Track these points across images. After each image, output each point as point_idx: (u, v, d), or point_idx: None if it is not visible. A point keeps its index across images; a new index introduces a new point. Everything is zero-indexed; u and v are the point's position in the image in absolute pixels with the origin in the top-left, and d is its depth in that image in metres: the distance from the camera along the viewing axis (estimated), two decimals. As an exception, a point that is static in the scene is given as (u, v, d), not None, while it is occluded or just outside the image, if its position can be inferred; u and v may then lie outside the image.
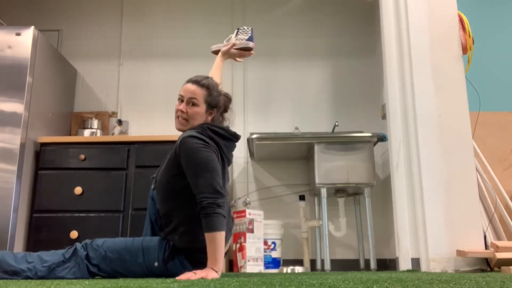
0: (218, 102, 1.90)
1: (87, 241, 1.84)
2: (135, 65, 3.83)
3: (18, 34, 2.99)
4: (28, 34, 3.00)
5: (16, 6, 3.96)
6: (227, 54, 2.27)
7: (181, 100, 1.87)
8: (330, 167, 3.00)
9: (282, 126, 3.64)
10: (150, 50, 3.85)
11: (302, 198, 3.33)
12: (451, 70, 2.56)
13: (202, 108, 1.85)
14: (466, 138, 2.48)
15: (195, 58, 3.77)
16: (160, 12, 3.93)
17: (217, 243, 1.63)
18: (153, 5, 3.95)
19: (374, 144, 3.13)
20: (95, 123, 3.47)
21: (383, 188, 3.41)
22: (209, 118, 1.89)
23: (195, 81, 1.86)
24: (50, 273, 1.75)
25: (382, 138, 3.05)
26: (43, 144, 3.03)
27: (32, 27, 3.02)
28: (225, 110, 1.97)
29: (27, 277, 1.73)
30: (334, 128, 3.33)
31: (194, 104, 1.84)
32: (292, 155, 3.44)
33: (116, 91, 3.78)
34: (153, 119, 3.70)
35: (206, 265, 1.64)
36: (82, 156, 3.00)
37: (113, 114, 3.72)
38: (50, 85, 3.27)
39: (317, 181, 2.98)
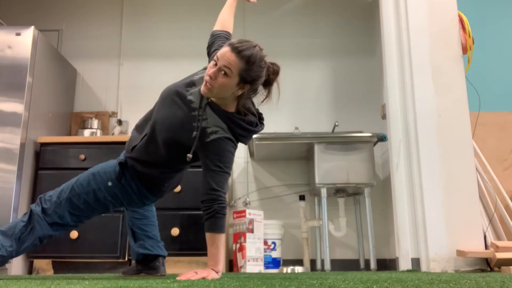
0: (255, 78, 1.67)
1: (40, 195, 1.84)
2: (135, 65, 3.83)
3: (18, 34, 2.99)
4: (28, 34, 3.00)
5: (16, 6, 3.96)
6: None
7: (215, 63, 1.63)
8: (330, 167, 3.00)
9: (282, 126, 3.63)
10: (150, 50, 3.85)
11: (302, 198, 3.33)
12: (451, 70, 2.56)
13: (233, 80, 1.63)
14: (466, 138, 2.48)
15: (195, 58, 3.76)
16: (160, 12, 3.93)
17: (220, 244, 1.63)
18: (153, 5, 3.95)
19: (374, 144, 3.13)
20: (95, 123, 3.47)
21: (383, 188, 3.41)
22: (239, 92, 1.68)
23: (236, 49, 1.61)
24: (20, 244, 1.73)
25: (382, 138, 3.05)
26: (43, 144, 3.03)
27: (32, 27, 3.02)
28: (269, 83, 1.75)
29: (1, 256, 1.70)
30: (334, 128, 3.33)
31: (225, 74, 1.61)
32: (292, 155, 3.44)
33: (116, 91, 3.78)
34: (153, 119, 3.69)
35: (161, 191, 1.71)
36: (82, 156, 3.00)
37: (113, 114, 3.72)
38: (50, 85, 3.27)
39: (317, 181, 2.98)
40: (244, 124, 1.73)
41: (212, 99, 1.72)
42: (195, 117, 1.70)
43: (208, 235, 1.63)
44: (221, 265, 1.63)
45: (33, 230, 1.75)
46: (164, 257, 2.08)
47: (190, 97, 1.75)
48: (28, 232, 1.75)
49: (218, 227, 1.62)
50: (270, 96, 1.77)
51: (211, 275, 1.55)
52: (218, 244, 1.62)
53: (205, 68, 1.82)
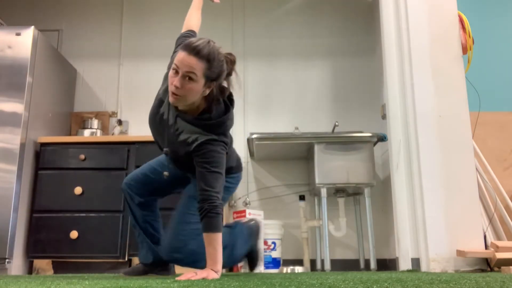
0: (219, 73, 1.65)
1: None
2: (135, 65, 3.83)
3: (18, 34, 2.99)
4: (28, 34, 3.00)
5: (16, 6, 3.96)
6: None
7: (175, 71, 1.60)
8: (330, 167, 3.00)
9: (282, 126, 3.63)
10: (150, 50, 3.85)
11: (302, 198, 3.33)
12: (451, 70, 2.56)
13: (200, 83, 1.60)
14: (466, 138, 2.48)
15: (195, 58, 3.77)
16: (160, 12, 3.93)
17: (218, 243, 1.63)
18: (153, 5, 3.95)
19: (374, 144, 3.13)
20: (95, 123, 3.47)
21: (383, 188, 3.41)
22: (207, 91, 1.66)
23: (193, 50, 1.57)
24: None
25: (382, 138, 3.05)
26: (43, 144, 3.03)
27: (32, 27, 3.02)
28: (229, 74, 1.72)
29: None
30: (334, 128, 3.33)
31: (191, 79, 1.58)
32: (292, 155, 3.44)
33: (116, 91, 3.78)
34: (153, 119, 3.69)
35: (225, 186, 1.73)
36: (82, 156, 3.00)
37: (113, 114, 3.72)
38: (50, 85, 3.27)
39: (317, 181, 2.98)
40: (215, 120, 1.72)
41: (179, 107, 1.73)
42: (175, 133, 1.74)
43: (204, 235, 1.63)
44: (220, 265, 1.62)
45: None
46: None
47: (165, 116, 1.78)
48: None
49: (212, 227, 1.62)
50: (232, 86, 1.75)
51: (211, 275, 1.55)
52: (214, 243, 1.62)
53: (165, 79, 1.84)
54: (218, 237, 1.63)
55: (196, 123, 1.71)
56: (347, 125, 3.60)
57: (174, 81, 1.60)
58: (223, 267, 1.77)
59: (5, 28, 3.09)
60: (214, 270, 1.59)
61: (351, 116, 3.65)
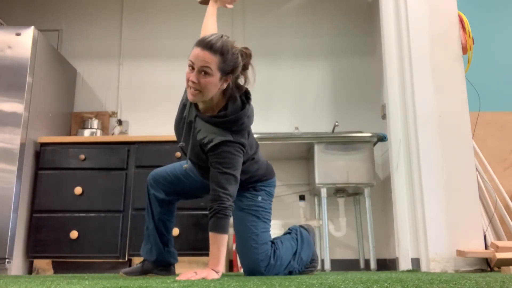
0: (234, 66, 1.66)
1: None
2: (135, 65, 3.83)
3: (18, 34, 2.99)
4: (28, 34, 3.00)
5: (16, 6, 3.96)
6: (220, 1, 2.10)
7: (191, 67, 1.63)
8: (330, 167, 3.00)
9: (282, 126, 3.63)
10: (150, 50, 3.85)
11: (302, 198, 3.33)
12: (451, 70, 2.56)
13: (215, 77, 1.63)
14: (466, 138, 2.48)
15: (195, 58, 3.77)
16: (160, 12, 3.93)
17: (221, 244, 1.63)
18: (153, 5, 3.95)
19: (374, 144, 3.13)
20: (95, 123, 3.47)
21: (383, 188, 3.41)
22: (224, 85, 1.68)
23: (207, 45, 1.60)
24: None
25: (382, 138, 3.05)
26: (43, 144, 3.03)
27: (32, 27, 3.02)
28: (245, 68, 1.74)
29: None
30: (334, 128, 3.34)
31: (206, 73, 1.61)
32: (292, 155, 3.44)
33: (116, 91, 3.78)
34: (153, 119, 3.70)
35: (266, 192, 1.83)
36: (82, 156, 3.00)
37: (113, 114, 3.72)
38: (50, 85, 3.27)
39: (317, 181, 2.98)
40: (230, 117, 1.72)
41: (199, 106, 1.76)
42: (195, 133, 1.77)
43: (210, 235, 1.64)
44: (222, 266, 1.63)
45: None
46: None
47: (188, 119, 1.80)
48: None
49: (218, 227, 1.63)
50: (248, 80, 1.77)
51: (211, 275, 1.55)
52: (218, 244, 1.62)
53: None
54: (224, 238, 1.63)
55: (212, 122, 1.72)
56: (347, 125, 3.60)
57: (191, 77, 1.63)
58: (298, 273, 1.87)
59: (5, 28, 3.09)
60: (215, 270, 1.59)
61: (351, 116, 3.65)
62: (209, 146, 1.71)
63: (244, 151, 1.76)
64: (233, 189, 1.69)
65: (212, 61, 1.61)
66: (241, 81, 1.79)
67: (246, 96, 1.80)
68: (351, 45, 3.81)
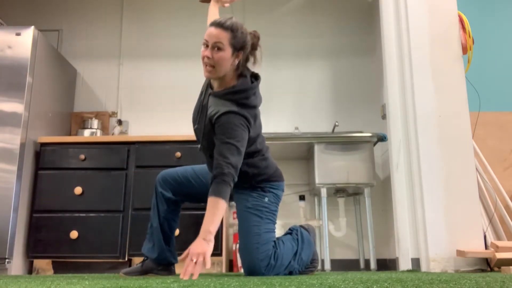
0: (244, 43, 1.82)
1: None
2: (135, 65, 3.83)
3: (18, 34, 2.99)
4: (28, 34, 3.00)
5: (16, 6, 3.96)
6: (220, 1, 2.22)
7: (205, 45, 1.80)
8: (330, 167, 3.00)
9: (282, 126, 3.63)
10: (150, 50, 3.85)
11: (302, 198, 3.33)
12: (451, 70, 2.56)
13: (227, 52, 1.78)
14: (466, 138, 2.48)
15: (195, 58, 3.77)
16: (160, 12, 3.93)
17: (217, 208, 1.65)
18: (153, 5, 3.95)
19: (374, 144, 3.13)
20: (95, 123, 3.47)
21: (383, 188, 3.41)
22: (236, 61, 1.82)
23: (218, 24, 1.78)
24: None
25: (382, 138, 3.05)
26: (43, 144, 3.03)
27: (32, 27, 3.02)
28: (254, 48, 1.89)
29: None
30: (334, 128, 3.34)
31: (219, 49, 1.77)
32: (292, 155, 3.44)
33: (116, 91, 3.78)
34: (153, 119, 3.70)
35: (274, 194, 1.85)
36: (82, 156, 3.00)
37: (113, 114, 3.72)
38: (50, 85, 3.27)
39: (317, 181, 2.98)
40: (237, 89, 1.83)
41: (214, 86, 1.88)
42: (206, 112, 1.87)
43: (208, 200, 1.67)
44: (214, 230, 1.63)
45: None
46: None
47: (204, 102, 1.91)
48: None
49: (215, 192, 1.67)
50: (257, 60, 1.92)
51: (202, 248, 1.55)
52: (214, 208, 1.65)
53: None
54: (219, 204, 1.66)
55: (222, 95, 1.84)
56: (347, 125, 3.60)
57: (205, 53, 1.78)
58: (298, 273, 1.89)
59: (5, 28, 3.09)
60: (206, 240, 1.60)
61: (351, 116, 3.65)
62: (215, 117, 1.79)
63: (249, 127, 1.82)
64: (235, 159, 1.72)
65: (224, 37, 1.77)
66: (250, 67, 1.92)
67: (255, 77, 1.93)
68: (351, 45, 3.81)
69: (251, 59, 1.89)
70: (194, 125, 1.96)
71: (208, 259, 1.56)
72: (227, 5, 2.27)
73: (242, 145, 1.76)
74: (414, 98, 2.54)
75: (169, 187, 2.04)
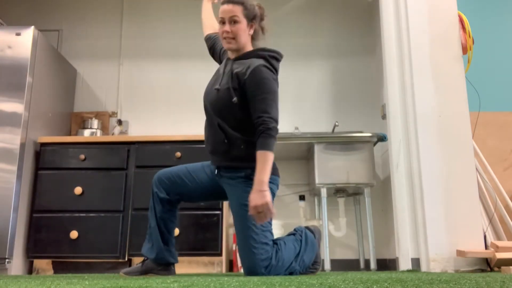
0: (255, 13, 2.03)
1: None
2: (135, 65, 3.83)
3: (18, 34, 2.99)
4: (28, 34, 3.00)
5: (16, 6, 3.96)
6: None
7: (222, 22, 1.97)
8: (330, 167, 3.00)
9: (282, 126, 3.63)
10: (150, 50, 3.85)
11: (302, 198, 3.33)
12: (451, 70, 2.56)
13: (243, 23, 1.98)
14: (466, 138, 2.48)
15: (195, 58, 3.78)
16: (160, 12, 3.93)
17: (269, 161, 1.79)
18: (153, 5, 3.95)
19: (374, 144, 3.13)
20: (95, 123, 3.47)
21: (383, 188, 3.41)
22: (251, 31, 2.02)
23: (229, 1, 1.97)
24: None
25: (382, 138, 3.05)
26: (43, 144, 3.03)
27: (32, 27, 3.02)
28: (262, 18, 2.10)
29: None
30: (334, 128, 3.34)
31: (235, 22, 1.96)
32: (292, 155, 3.44)
33: (116, 91, 3.78)
34: (153, 119, 3.70)
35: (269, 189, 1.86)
36: (82, 156, 3.00)
37: (113, 114, 3.72)
38: (50, 85, 3.27)
39: (317, 181, 2.98)
40: (259, 48, 2.01)
41: (233, 57, 2.01)
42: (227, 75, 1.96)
43: (257, 154, 1.80)
44: (266, 181, 1.77)
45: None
46: None
47: (221, 72, 2.03)
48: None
49: (264, 145, 1.80)
50: (265, 29, 2.13)
51: (262, 199, 1.73)
52: (263, 161, 1.78)
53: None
54: (268, 156, 1.79)
55: (245, 55, 1.99)
56: (347, 125, 3.60)
57: (224, 29, 1.96)
58: (299, 273, 1.93)
59: (5, 28, 3.09)
60: (261, 190, 1.75)
61: (351, 116, 3.65)
62: (248, 72, 1.88)
63: (277, 80, 1.93)
64: (275, 112, 1.85)
65: (237, 10, 1.97)
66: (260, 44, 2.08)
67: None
68: (351, 45, 3.81)
69: (260, 31, 2.08)
70: (207, 94, 2.01)
71: (271, 206, 1.75)
72: (216, 0, 2.38)
73: (277, 98, 1.89)
74: (414, 98, 2.54)
75: (164, 187, 2.04)
